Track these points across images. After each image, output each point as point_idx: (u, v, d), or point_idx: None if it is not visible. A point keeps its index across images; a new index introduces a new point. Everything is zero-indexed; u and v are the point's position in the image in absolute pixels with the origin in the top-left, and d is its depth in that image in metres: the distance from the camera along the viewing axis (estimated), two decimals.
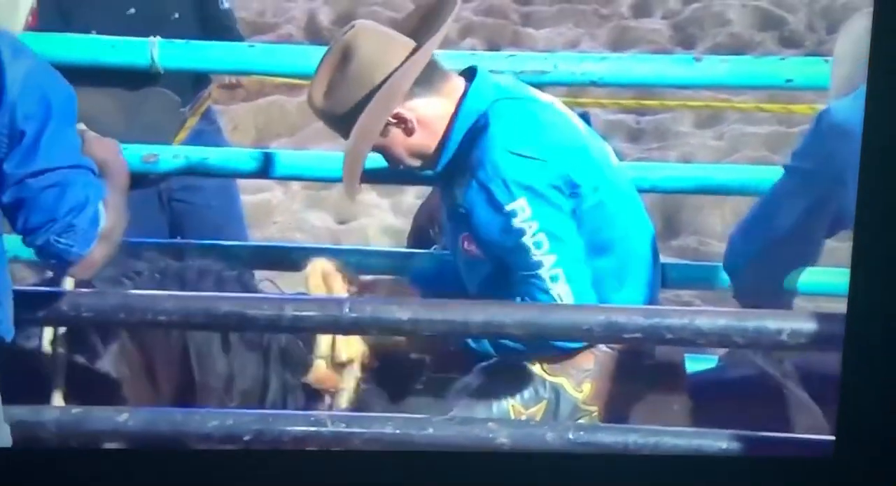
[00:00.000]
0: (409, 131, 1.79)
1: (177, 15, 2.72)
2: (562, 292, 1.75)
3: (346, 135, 1.79)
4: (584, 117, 1.93)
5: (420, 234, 2.83)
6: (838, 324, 1.54)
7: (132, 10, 2.70)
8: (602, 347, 1.83)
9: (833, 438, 1.52)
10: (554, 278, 1.74)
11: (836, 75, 1.84)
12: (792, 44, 5.42)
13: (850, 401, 1.36)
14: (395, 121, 1.78)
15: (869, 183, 1.31)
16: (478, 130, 1.77)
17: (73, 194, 1.51)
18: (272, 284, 2.04)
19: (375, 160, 1.87)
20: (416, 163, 1.84)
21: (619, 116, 4.93)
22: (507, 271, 1.78)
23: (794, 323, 1.64)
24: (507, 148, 1.74)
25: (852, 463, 1.39)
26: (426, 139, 1.80)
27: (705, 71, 2.24)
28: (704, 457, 1.66)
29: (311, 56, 2.29)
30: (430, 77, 1.79)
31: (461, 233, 1.81)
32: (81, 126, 1.66)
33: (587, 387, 1.82)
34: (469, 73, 1.84)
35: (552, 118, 1.82)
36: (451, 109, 1.79)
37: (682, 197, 4.16)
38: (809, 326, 1.63)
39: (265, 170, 2.36)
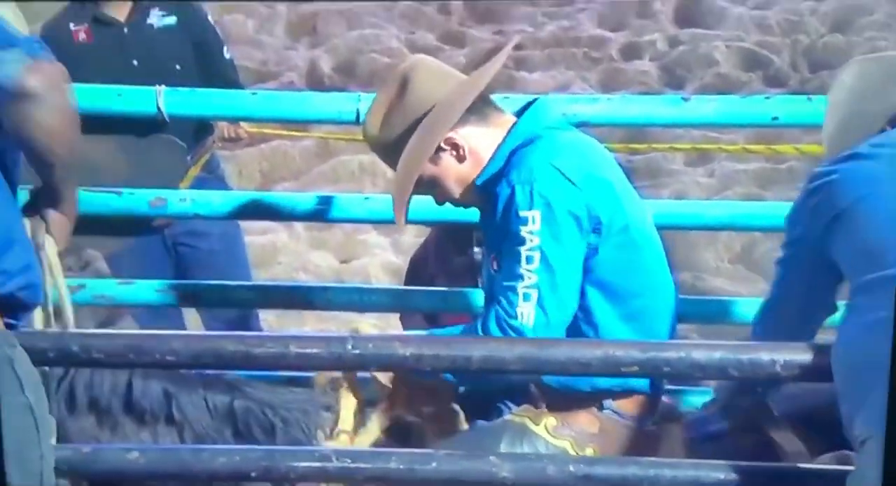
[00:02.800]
0: (460, 158, 1.80)
1: (178, 67, 2.78)
2: (525, 311, 1.73)
3: (392, 161, 1.82)
4: None
5: (416, 274, 2.88)
6: (829, 355, 1.59)
7: (135, 62, 2.77)
8: (607, 411, 1.84)
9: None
10: (526, 297, 1.73)
11: (828, 131, 1.77)
12: (777, 83, 5.53)
13: None
14: (447, 147, 1.80)
15: None
16: (524, 146, 1.78)
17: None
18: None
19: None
20: (462, 195, 1.85)
21: (611, 155, 5.01)
22: (503, 271, 1.78)
23: (788, 355, 1.65)
24: (548, 160, 1.74)
25: None
26: (475, 169, 1.81)
27: (694, 110, 2.29)
28: None
29: (311, 102, 2.36)
30: (483, 109, 1.82)
31: (491, 253, 1.82)
32: None
33: (590, 452, 1.82)
34: (524, 109, 1.87)
35: (598, 155, 1.85)
36: (500, 139, 1.81)
37: (675, 233, 4.21)
38: (803, 357, 1.64)
39: (269, 212, 2.41)
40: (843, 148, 1.67)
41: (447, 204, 1.91)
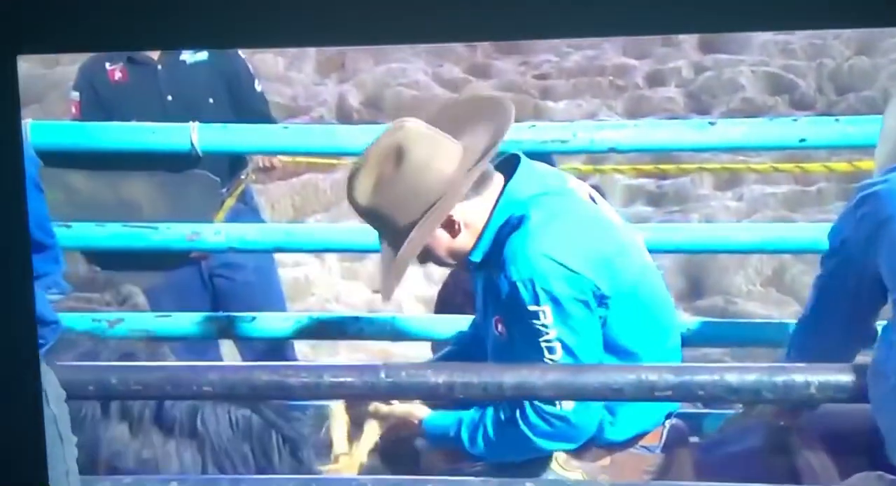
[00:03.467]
0: (454, 233, 1.77)
1: (212, 100, 2.84)
2: (564, 401, 1.74)
3: (387, 232, 1.76)
4: (596, 190, 1.92)
5: (444, 304, 2.89)
6: (864, 376, 1.57)
7: (170, 98, 2.83)
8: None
9: None
10: None
11: (883, 150, 1.71)
12: (804, 107, 5.52)
13: None
14: (443, 225, 1.76)
15: None
16: (514, 223, 1.75)
17: None
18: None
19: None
20: (454, 261, 1.82)
21: (641, 181, 5.02)
22: (524, 358, 1.76)
23: (822, 376, 1.64)
24: (540, 251, 1.71)
25: None
26: (468, 239, 1.78)
27: (721, 134, 2.29)
28: None
29: (341, 135, 2.40)
30: (478, 183, 1.77)
31: (494, 315, 1.81)
32: None
33: (603, 480, 1.81)
34: (510, 161, 1.82)
35: (589, 221, 1.80)
36: (492, 204, 1.77)
37: (706, 258, 4.21)
38: (837, 378, 1.63)
39: (302, 244, 2.44)
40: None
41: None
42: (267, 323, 2.56)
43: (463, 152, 1.75)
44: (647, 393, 1.68)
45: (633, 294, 1.78)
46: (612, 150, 2.33)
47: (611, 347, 1.78)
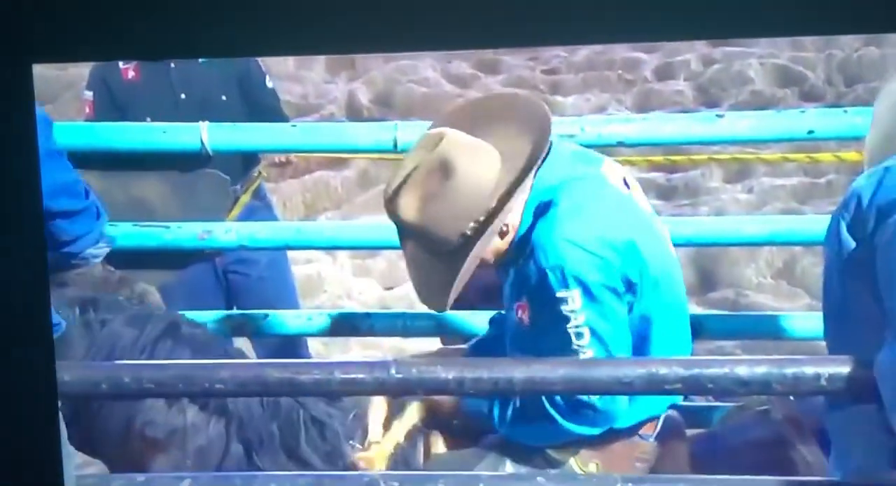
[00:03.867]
0: (503, 235, 1.77)
1: (224, 97, 2.86)
2: None
3: (436, 247, 1.74)
4: None
5: (455, 300, 2.89)
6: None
7: (183, 96, 2.85)
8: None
9: None
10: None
11: (871, 142, 1.68)
12: (813, 98, 5.51)
13: None
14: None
15: None
16: (542, 210, 1.75)
17: None
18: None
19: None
20: (495, 260, 1.80)
21: (650, 175, 5.01)
22: (549, 347, 1.76)
23: (833, 368, 1.64)
24: (568, 238, 1.70)
25: None
26: (511, 237, 1.77)
27: (729, 127, 2.29)
28: None
29: (350, 132, 2.41)
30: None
31: (518, 301, 1.80)
32: None
33: (593, 468, 1.82)
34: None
35: (618, 207, 1.79)
36: (526, 197, 1.76)
37: (716, 251, 4.20)
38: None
39: (313, 241, 2.45)
40: (885, 159, 1.63)
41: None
42: (279, 321, 2.58)
43: (501, 159, 1.73)
44: (657, 386, 1.68)
45: (657, 284, 1.78)
46: (621, 144, 2.33)
47: (638, 334, 1.78)
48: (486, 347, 2.02)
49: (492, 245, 1.77)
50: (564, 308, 1.72)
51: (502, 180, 1.72)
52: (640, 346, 1.79)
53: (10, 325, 0.84)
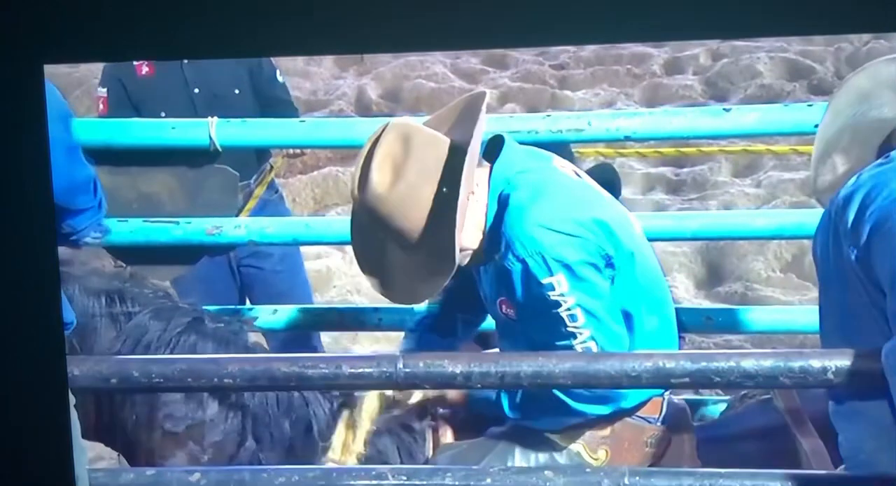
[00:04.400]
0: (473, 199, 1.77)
1: (237, 91, 2.89)
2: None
3: (412, 223, 1.74)
4: (607, 171, 1.95)
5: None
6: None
7: (196, 90, 2.87)
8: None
9: None
10: (587, 351, 1.74)
11: (825, 135, 1.67)
12: (822, 92, 5.48)
13: None
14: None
15: None
16: (504, 200, 1.76)
17: None
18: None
19: None
20: (470, 245, 1.80)
21: (659, 169, 5.01)
22: (543, 335, 1.78)
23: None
24: (540, 223, 1.72)
25: None
26: (480, 210, 1.78)
27: (735, 121, 2.28)
28: None
29: (358, 127, 2.41)
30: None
31: (499, 297, 1.81)
32: None
33: (602, 454, 1.83)
34: (496, 145, 1.83)
35: (576, 190, 1.82)
36: (485, 197, 1.78)
37: (725, 244, 4.20)
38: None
39: (323, 236, 2.45)
40: (836, 153, 1.62)
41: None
42: (288, 315, 2.59)
43: (469, 154, 1.74)
44: (664, 380, 1.69)
45: (633, 257, 1.79)
46: (628, 138, 2.32)
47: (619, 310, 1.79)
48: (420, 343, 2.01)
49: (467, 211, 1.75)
50: (552, 294, 1.72)
51: (455, 141, 1.74)
52: (626, 321, 1.80)
53: (22, 320, 0.85)
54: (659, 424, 1.88)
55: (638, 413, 1.87)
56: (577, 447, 1.84)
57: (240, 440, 1.95)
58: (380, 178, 1.73)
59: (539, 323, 1.78)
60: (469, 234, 1.78)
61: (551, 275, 1.71)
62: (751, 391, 1.97)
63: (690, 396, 2.37)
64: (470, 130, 1.76)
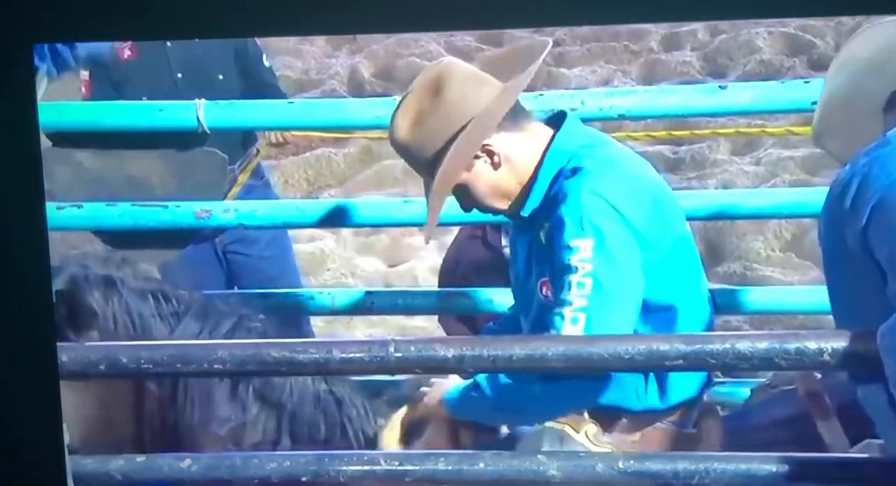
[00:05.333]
0: (495, 165, 1.77)
1: (221, 76, 2.85)
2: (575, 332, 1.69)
3: (428, 169, 1.76)
4: None
5: (448, 275, 2.89)
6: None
7: (180, 75, 2.83)
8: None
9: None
10: (573, 320, 1.69)
11: (827, 106, 1.63)
12: (822, 67, 5.42)
13: None
14: (483, 154, 1.76)
15: None
16: (566, 172, 1.75)
17: None
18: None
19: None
20: (498, 204, 1.81)
21: (657, 147, 4.97)
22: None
23: (835, 342, 1.62)
24: (593, 188, 1.71)
25: None
26: (510, 177, 1.78)
27: (731, 98, 2.26)
28: (756, 481, 1.65)
29: (347, 109, 2.39)
30: (517, 116, 1.78)
31: (541, 278, 1.78)
32: None
33: None
34: (556, 119, 1.83)
35: (638, 170, 1.80)
36: (538, 151, 1.77)
37: (724, 224, 4.17)
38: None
39: (314, 220, 2.43)
40: (839, 125, 1.59)
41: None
42: (280, 300, 2.57)
43: (503, 89, 1.75)
44: (658, 362, 1.67)
45: (673, 247, 1.77)
46: (622, 116, 2.30)
47: (650, 298, 1.75)
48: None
49: (484, 176, 1.76)
50: (573, 258, 1.68)
51: (494, 103, 1.74)
52: (663, 313, 1.76)
53: (12, 307, 0.84)
54: (691, 428, 1.85)
55: (669, 418, 1.83)
56: (604, 450, 1.80)
57: (276, 439, 1.94)
58: (400, 123, 1.77)
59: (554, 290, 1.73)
60: (504, 177, 1.77)
61: (581, 237, 1.68)
62: (773, 381, 1.94)
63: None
64: (520, 77, 1.76)
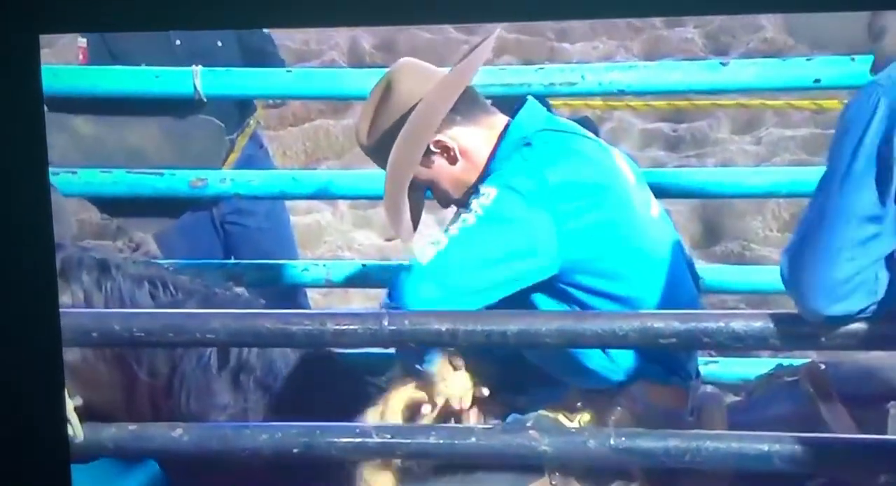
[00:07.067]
0: (452, 160, 1.77)
1: (220, 43, 2.82)
2: (428, 251, 1.69)
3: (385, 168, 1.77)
4: (585, 123, 1.89)
5: None
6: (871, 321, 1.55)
7: (178, 42, 2.80)
8: (644, 405, 1.80)
9: None
10: (435, 242, 1.70)
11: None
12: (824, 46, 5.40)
13: None
14: (437, 150, 1.76)
15: None
16: (518, 147, 1.75)
17: None
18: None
19: None
20: (465, 197, 1.79)
21: (657, 125, 4.94)
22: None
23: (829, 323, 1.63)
24: (528, 155, 1.72)
25: None
26: (470, 170, 1.78)
27: (733, 75, 2.25)
28: (748, 460, 1.66)
29: (346, 78, 2.36)
30: (470, 108, 1.78)
31: None
32: None
33: None
34: (518, 107, 1.82)
35: (590, 158, 1.77)
36: (494, 140, 1.77)
37: (722, 203, 4.15)
38: (846, 325, 1.61)
39: (310, 190, 2.42)
40: None
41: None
42: (276, 271, 2.56)
43: (441, 78, 1.77)
44: (652, 340, 1.67)
45: (621, 217, 1.74)
46: (622, 92, 2.28)
47: (589, 263, 1.75)
48: None
49: (444, 171, 1.76)
50: (475, 201, 1.69)
51: (431, 92, 1.74)
52: (613, 279, 1.76)
53: (14, 276, 0.85)
54: (689, 418, 1.83)
55: (667, 407, 1.81)
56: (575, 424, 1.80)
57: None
58: (360, 127, 1.81)
59: None
60: (463, 171, 1.77)
61: (490, 186, 1.70)
62: (777, 371, 1.93)
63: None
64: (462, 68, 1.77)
